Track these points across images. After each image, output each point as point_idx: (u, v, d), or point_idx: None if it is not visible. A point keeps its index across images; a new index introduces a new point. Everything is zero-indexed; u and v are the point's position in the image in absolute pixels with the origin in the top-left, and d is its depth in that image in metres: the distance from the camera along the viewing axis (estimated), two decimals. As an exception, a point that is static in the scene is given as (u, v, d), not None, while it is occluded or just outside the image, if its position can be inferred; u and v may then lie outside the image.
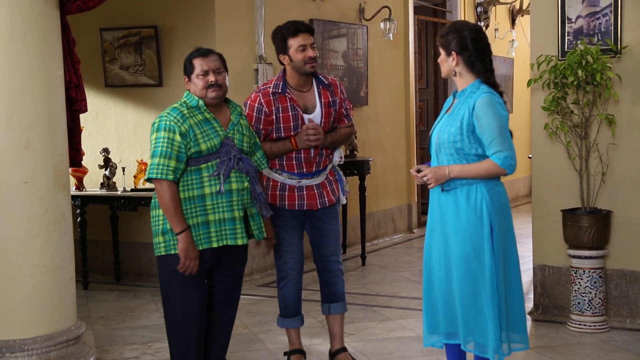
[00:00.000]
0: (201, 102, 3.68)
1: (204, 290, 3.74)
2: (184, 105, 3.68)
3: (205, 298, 3.75)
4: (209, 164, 3.63)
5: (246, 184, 3.70)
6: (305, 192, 4.15)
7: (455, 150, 3.48)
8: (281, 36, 4.09)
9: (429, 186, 3.56)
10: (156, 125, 3.60)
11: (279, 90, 4.10)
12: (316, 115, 4.14)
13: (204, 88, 3.67)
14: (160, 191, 3.54)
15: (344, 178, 4.36)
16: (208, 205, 3.63)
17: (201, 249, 3.64)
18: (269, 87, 4.13)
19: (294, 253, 4.19)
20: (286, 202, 4.15)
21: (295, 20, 4.17)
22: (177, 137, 3.56)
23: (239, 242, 3.70)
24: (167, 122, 3.58)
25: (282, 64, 4.15)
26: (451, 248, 3.54)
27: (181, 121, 3.59)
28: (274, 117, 4.07)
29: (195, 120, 3.64)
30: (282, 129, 4.08)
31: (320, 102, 4.16)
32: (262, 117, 4.07)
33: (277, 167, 4.15)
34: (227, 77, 3.76)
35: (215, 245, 3.66)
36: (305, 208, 4.16)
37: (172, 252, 3.63)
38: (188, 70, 3.73)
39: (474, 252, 3.49)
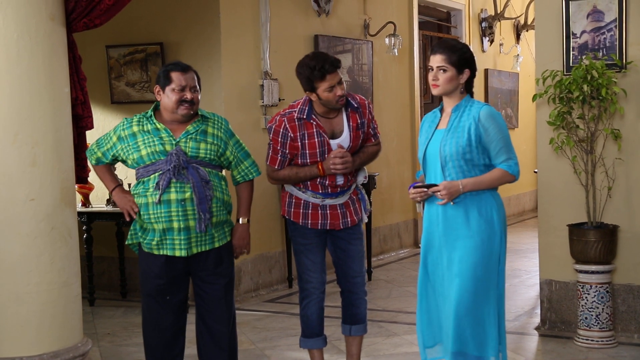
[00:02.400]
0: (153, 114, 3.80)
1: (165, 306, 3.78)
2: (143, 114, 3.84)
3: (168, 314, 3.79)
4: (156, 174, 3.71)
5: (187, 194, 3.67)
6: (328, 212, 4.06)
7: (465, 161, 3.55)
8: (306, 78, 3.93)
9: (442, 202, 3.56)
10: None
11: (304, 116, 3.99)
12: (344, 140, 4.03)
13: (176, 102, 3.71)
14: (91, 166, 4.10)
15: (366, 197, 4.25)
16: (151, 215, 3.72)
17: (148, 251, 3.76)
18: (294, 111, 4.01)
19: (317, 272, 4.10)
20: (309, 221, 4.06)
21: (321, 56, 3.94)
22: (114, 139, 3.87)
23: (177, 254, 3.71)
24: (119, 124, 3.88)
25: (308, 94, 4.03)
26: (459, 260, 3.55)
27: (126, 127, 3.83)
28: (299, 143, 3.99)
29: (143, 128, 3.77)
30: (307, 155, 4.00)
31: (349, 126, 4.04)
32: (288, 142, 3.99)
33: (301, 186, 4.07)
34: (199, 96, 3.79)
35: (155, 252, 3.74)
36: (328, 228, 4.07)
37: (134, 241, 3.84)
38: (162, 82, 3.75)
39: (484, 262, 3.54)
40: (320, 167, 3.99)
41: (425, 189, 3.59)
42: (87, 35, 5.13)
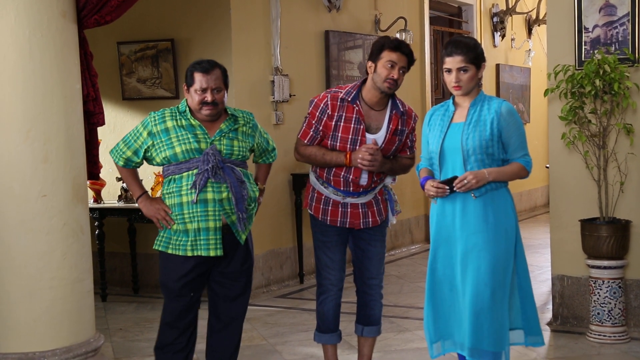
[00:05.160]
0: (188, 109, 3.72)
1: (187, 302, 3.76)
2: (175, 108, 3.76)
3: (189, 310, 3.78)
4: (190, 172, 3.66)
5: (224, 194, 3.65)
6: (349, 210, 3.99)
7: (487, 155, 3.59)
8: (380, 45, 3.90)
9: (464, 189, 3.56)
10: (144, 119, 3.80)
11: (349, 99, 3.91)
12: (378, 138, 3.93)
13: (199, 104, 3.67)
14: (117, 168, 3.89)
15: (394, 197, 4.14)
16: (185, 214, 3.67)
17: (175, 253, 3.71)
18: (341, 92, 3.95)
19: (335, 270, 4.05)
20: (328, 218, 3.99)
21: (404, 40, 4.01)
22: (144, 134, 3.73)
23: (212, 254, 3.68)
24: (147, 119, 3.75)
25: (367, 72, 3.98)
26: (477, 255, 3.58)
27: (158, 122, 3.71)
28: (333, 123, 3.91)
29: (178, 123, 3.69)
30: (338, 138, 3.91)
31: (388, 126, 3.95)
32: (324, 118, 3.92)
33: (324, 180, 4.00)
34: (226, 94, 3.75)
35: (189, 254, 3.69)
36: (347, 226, 4.01)
37: (161, 249, 3.77)
38: (188, 81, 3.73)
39: (503, 257, 3.59)
40: (348, 156, 3.90)
41: (447, 187, 3.58)
42: (98, 32, 5.15)
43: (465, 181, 3.54)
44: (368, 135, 3.92)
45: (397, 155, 4.07)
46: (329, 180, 3.99)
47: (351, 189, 3.97)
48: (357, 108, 3.91)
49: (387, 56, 3.86)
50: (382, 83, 3.87)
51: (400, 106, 4.01)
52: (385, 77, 3.86)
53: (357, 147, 3.90)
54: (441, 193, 3.61)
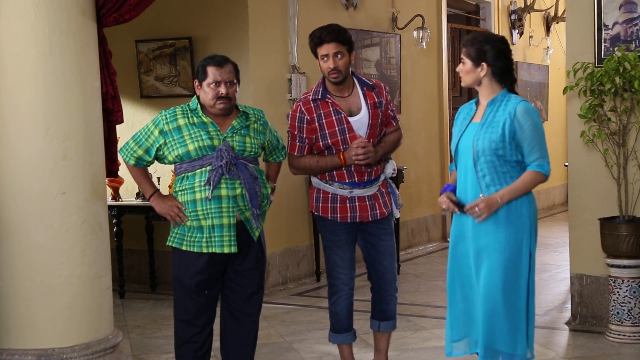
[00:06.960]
0: (199, 107, 3.72)
1: (203, 300, 3.75)
2: (186, 106, 3.75)
3: (205, 308, 3.77)
4: (203, 169, 3.66)
5: (238, 190, 3.65)
6: (357, 204, 4.02)
7: (497, 157, 3.51)
8: (310, 44, 4.03)
9: (480, 219, 3.50)
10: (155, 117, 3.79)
11: (319, 97, 3.99)
12: (362, 117, 4.00)
13: (213, 98, 3.67)
14: (127, 167, 3.86)
15: (396, 191, 4.18)
16: (199, 211, 3.66)
17: (189, 249, 3.69)
18: (309, 95, 4.04)
19: (346, 268, 4.07)
20: (338, 215, 4.02)
21: (327, 26, 4.02)
22: (156, 133, 3.71)
23: (226, 251, 3.67)
24: (158, 118, 3.73)
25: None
26: (488, 256, 3.54)
27: (169, 120, 3.71)
28: (316, 124, 3.97)
29: (189, 121, 3.69)
30: (327, 135, 3.97)
31: (367, 103, 4.02)
32: (305, 125, 3.99)
33: (327, 178, 4.03)
34: (238, 89, 3.75)
35: (204, 250, 3.68)
36: (357, 220, 4.03)
37: (175, 245, 3.75)
38: (200, 76, 3.72)
39: (513, 258, 3.52)
40: (341, 156, 3.95)
41: (457, 209, 3.55)
42: (117, 30, 5.17)
43: (477, 209, 3.48)
44: (352, 119, 3.99)
45: (385, 132, 4.12)
46: (333, 176, 4.02)
47: (356, 178, 4.01)
48: (329, 101, 4.00)
49: (319, 52, 3.98)
50: (328, 76, 3.99)
51: (367, 81, 4.10)
52: (326, 70, 3.97)
53: (347, 136, 3.96)
54: (451, 209, 3.58)
